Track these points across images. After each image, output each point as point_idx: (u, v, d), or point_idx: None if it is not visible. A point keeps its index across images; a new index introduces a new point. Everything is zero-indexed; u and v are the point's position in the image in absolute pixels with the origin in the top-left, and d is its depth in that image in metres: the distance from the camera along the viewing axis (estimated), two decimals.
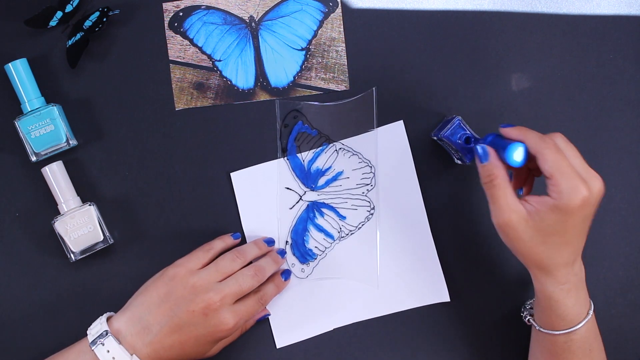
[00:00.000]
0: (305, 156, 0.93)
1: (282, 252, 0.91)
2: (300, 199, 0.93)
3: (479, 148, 0.78)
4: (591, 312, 0.80)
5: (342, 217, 0.93)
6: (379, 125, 0.93)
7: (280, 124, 0.93)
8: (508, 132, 0.78)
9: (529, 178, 0.83)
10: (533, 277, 0.80)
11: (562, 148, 0.75)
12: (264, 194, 0.92)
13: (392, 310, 0.92)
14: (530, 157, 0.76)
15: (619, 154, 0.93)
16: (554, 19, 0.93)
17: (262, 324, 0.92)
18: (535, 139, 0.75)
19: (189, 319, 0.81)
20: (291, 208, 0.93)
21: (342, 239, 0.93)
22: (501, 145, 0.77)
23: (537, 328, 0.83)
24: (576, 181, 0.73)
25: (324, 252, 0.93)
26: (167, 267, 0.86)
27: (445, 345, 0.92)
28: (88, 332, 0.82)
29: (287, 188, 0.93)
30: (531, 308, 0.87)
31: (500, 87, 0.93)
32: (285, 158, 0.93)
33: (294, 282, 0.92)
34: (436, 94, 0.93)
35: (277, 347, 0.92)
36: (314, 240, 0.93)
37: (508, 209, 0.75)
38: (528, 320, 0.86)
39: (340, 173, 0.93)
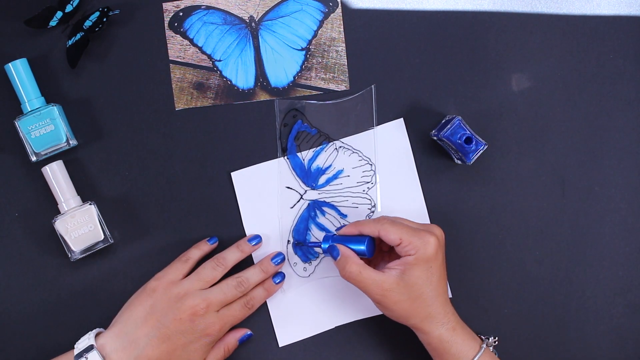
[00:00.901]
0: (305, 155, 0.93)
1: (277, 259, 0.90)
2: (301, 198, 0.93)
3: (327, 247, 0.86)
4: (484, 345, 0.84)
5: (343, 216, 0.93)
6: (379, 124, 0.93)
7: (280, 123, 0.93)
8: (345, 231, 0.86)
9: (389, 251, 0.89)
10: (420, 331, 0.84)
11: (394, 220, 0.84)
12: (264, 193, 0.92)
13: None
14: (377, 241, 0.87)
15: (619, 154, 0.93)
16: (554, 19, 0.93)
17: (264, 323, 0.92)
18: (370, 224, 0.84)
19: (176, 327, 0.82)
20: (292, 207, 0.93)
21: None
22: (347, 243, 0.85)
23: None
24: (423, 234, 0.82)
25: None
26: (148, 281, 0.86)
27: None
28: (76, 345, 0.82)
29: (288, 187, 0.93)
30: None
31: (500, 87, 0.93)
32: (286, 157, 0.93)
33: (296, 281, 0.92)
34: (436, 94, 0.93)
35: (279, 345, 0.92)
36: (316, 238, 0.93)
37: (377, 284, 0.82)
38: None
39: (340, 171, 0.93)
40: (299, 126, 0.93)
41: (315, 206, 0.93)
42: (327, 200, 0.93)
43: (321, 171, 0.93)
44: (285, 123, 0.93)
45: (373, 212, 0.93)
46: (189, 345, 0.83)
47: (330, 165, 0.93)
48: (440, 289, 0.83)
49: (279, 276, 0.91)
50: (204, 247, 0.90)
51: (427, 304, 0.82)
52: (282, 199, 0.93)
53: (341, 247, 0.85)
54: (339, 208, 0.93)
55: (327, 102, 0.93)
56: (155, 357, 0.81)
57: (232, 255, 0.89)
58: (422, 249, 0.81)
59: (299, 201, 0.93)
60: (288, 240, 0.92)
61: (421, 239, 0.82)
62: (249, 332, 0.90)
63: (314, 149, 0.93)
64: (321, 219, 0.93)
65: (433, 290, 0.82)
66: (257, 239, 0.91)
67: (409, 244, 0.81)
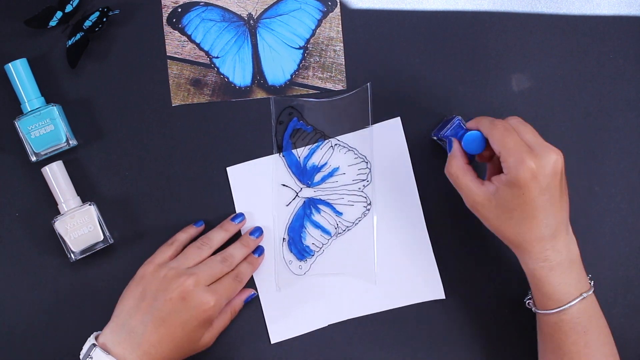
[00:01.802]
0: (301, 153, 0.93)
1: (255, 232, 0.91)
2: (297, 195, 0.93)
3: (447, 140, 0.84)
4: (585, 294, 0.79)
5: (339, 213, 0.93)
6: (376, 123, 0.93)
7: (275, 120, 0.93)
8: (468, 124, 0.83)
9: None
10: (518, 256, 0.81)
11: (515, 127, 0.78)
12: (260, 190, 0.93)
13: (387, 307, 0.92)
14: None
15: (619, 154, 0.93)
16: (554, 19, 0.93)
17: (257, 320, 0.92)
18: (486, 123, 0.79)
19: (169, 307, 0.82)
20: (287, 205, 0.93)
21: (339, 235, 0.93)
22: (461, 136, 0.83)
23: (531, 309, 0.84)
24: (522, 154, 0.75)
25: (321, 248, 0.93)
26: (137, 270, 0.87)
27: (439, 342, 0.93)
28: (81, 355, 0.82)
29: (283, 185, 0.93)
30: None
31: (500, 87, 0.93)
32: (281, 155, 0.93)
33: (291, 279, 0.92)
34: (436, 94, 0.93)
35: (272, 342, 0.92)
36: (311, 236, 0.93)
37: (470, 194, 0.80)
38: (528, 303, 0.85)
39: (336, 169, 0.93)
40: (295, 124, 0.93)
41: (311, 204, 0.93)
42: (323, 198, 0.93)
43: (317, 169, 0.93)
44: (280, 120, 0.93)
45: (369, 209, 0.93)
46: (187, 325, 0.82)
47: (325, 163, 0.93)
48: (537, 222, 0.76)
49: (259, 250, 0.91)
50: (191, 230, 0.90)
51: (517, 232, 0.78)
52: (277, 197, 0.93)
53: (455, 143, 0.83)
54: (334, 206, 0.93)
55: (323, 99, 0.93)
56: (156, 341, 0.81)
57: (217, 235, 0.89)
58: (514, 171, 0.75)
59: (294, 199, 0.93)
60: (283, 238, 0.93)
61: (517, 162, 0.75)
62: (253, 292, 0.91)
63: (310, 146, 0.93)
64: (316, 217, 0.93)
65: (521, 220, 0.77)
66: (240, 217, 0.91)
67: (504, 162, 0.76)
